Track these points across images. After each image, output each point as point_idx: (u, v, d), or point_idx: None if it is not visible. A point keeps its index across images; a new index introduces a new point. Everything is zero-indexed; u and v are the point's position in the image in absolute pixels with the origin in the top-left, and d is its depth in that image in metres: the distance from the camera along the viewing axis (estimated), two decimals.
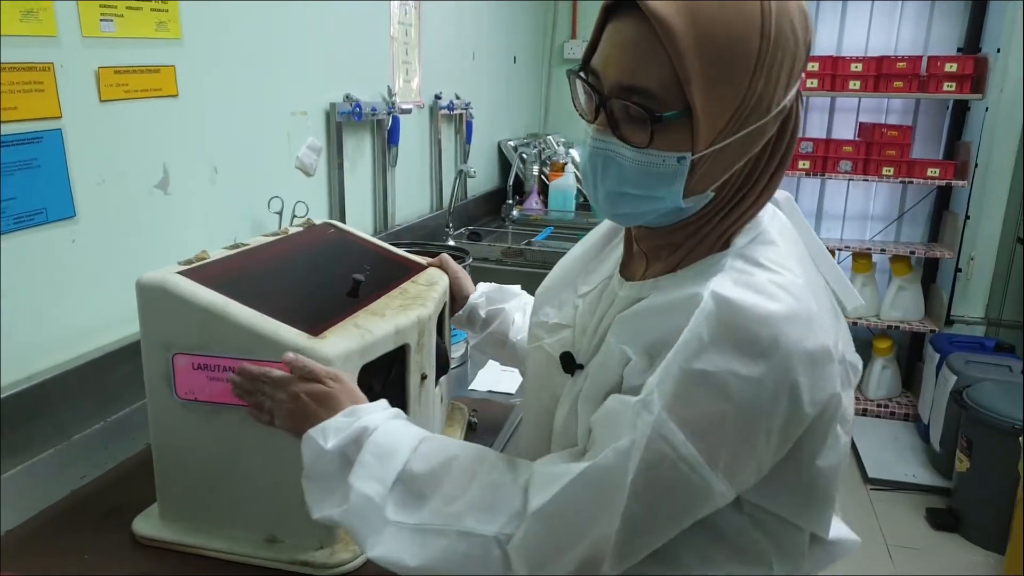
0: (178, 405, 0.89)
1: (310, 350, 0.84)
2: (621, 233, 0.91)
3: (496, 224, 2.91)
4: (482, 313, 1.17)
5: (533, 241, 2.60)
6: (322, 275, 1.06)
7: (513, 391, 1.39)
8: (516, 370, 1.46)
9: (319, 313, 0.93)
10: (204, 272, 0.92)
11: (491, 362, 1.53)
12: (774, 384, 0.66)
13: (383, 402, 0.83)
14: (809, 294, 0.70)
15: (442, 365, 1.11)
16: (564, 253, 0.97)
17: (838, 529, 0.81)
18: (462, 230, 2.57)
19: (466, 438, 1.20)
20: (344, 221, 1.94)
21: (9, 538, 0.94)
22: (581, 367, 0.82)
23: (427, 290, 1.08)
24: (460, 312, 1.18)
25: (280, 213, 1.62)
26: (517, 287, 1.20)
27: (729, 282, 0.69)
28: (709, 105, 0.67)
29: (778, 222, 0.78)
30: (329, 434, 0.77)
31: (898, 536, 2.79)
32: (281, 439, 0.87)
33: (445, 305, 1.17)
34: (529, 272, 2.27)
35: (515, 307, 1.17)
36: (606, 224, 0.95)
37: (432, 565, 0.72)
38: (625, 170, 0.73)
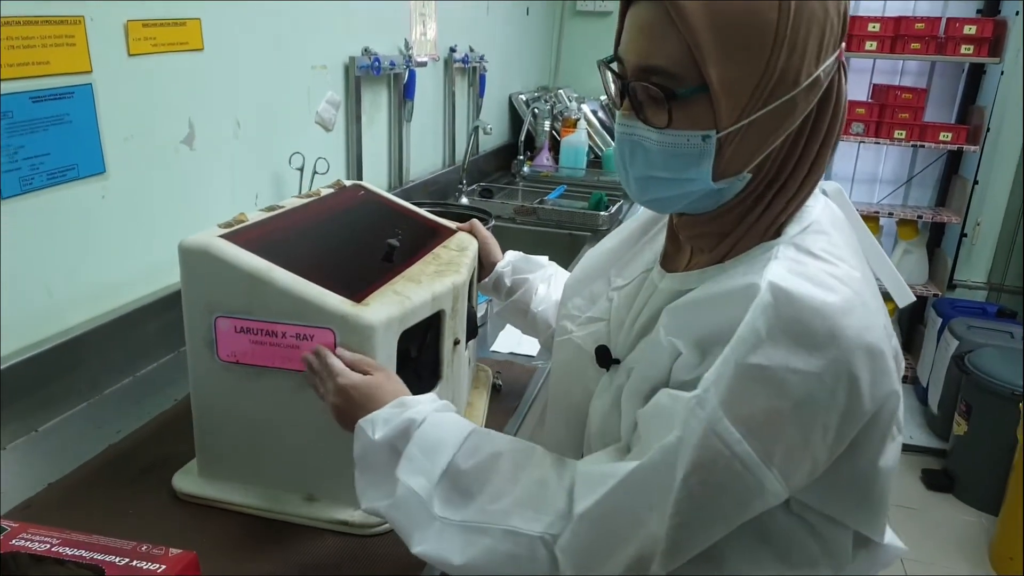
0: (220, 367, 0.91)
1: (354, 317, 0.85)
2: (659, 224, 0.90)
3: (506, 180, 2.90)
4: (507, 281, 1.18)
5: (545, 200, 2.60)
6: (357, 239, 1.07)
7: (535, 353, 1.41)
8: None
9: (359, 278, 0.94)
10: (244, 235, 0.92)
11: (510, 326, 1.55)
12: (832, 379, 0.64)
13: (431, 395, 0.84)
14: (866, 287, 0.70)
15: (471, 329, 1.13)
16: (576, 212, 0.99)
17: (888, 534, 0.82)
18: (475, 187, 2.56)
19: (491, 400, 1.23)
20: (361, 176, 1.94)
21: (50, 491, 0.96)
22: (617, 362, 0.81)
23: (459, 256, 1.09)
24: (486, 279, 1.19)
25: (301, 169, 1.62)
26: (544, 258, 1.21)
27: (784, 271, 0.67)
28: (726, 79, 0.66)
29: (830, 212, 0.77)
30: (378, 425, 0.78)
31: (894, 495, 2.82)
32: (318, 402, 0.89)
33: (474, 270, 1.18)
34: (542, 232, 2.27)
35: (540, 278, 1.18)
36: (643, 216, 0.93)
37: (477, 563, 0.71)
38: (651, 153, 0.72)
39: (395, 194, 2.09)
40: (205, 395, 0.94)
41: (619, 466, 0.69)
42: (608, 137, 3.23)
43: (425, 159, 2.42)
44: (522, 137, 2.99)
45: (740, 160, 0.71)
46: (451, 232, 1.18)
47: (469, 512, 0.73)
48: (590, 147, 3.10)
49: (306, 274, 0.88)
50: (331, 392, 0.83)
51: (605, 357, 0.82)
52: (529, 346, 1.43)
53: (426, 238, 1.13)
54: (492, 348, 1.43)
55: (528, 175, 2.93)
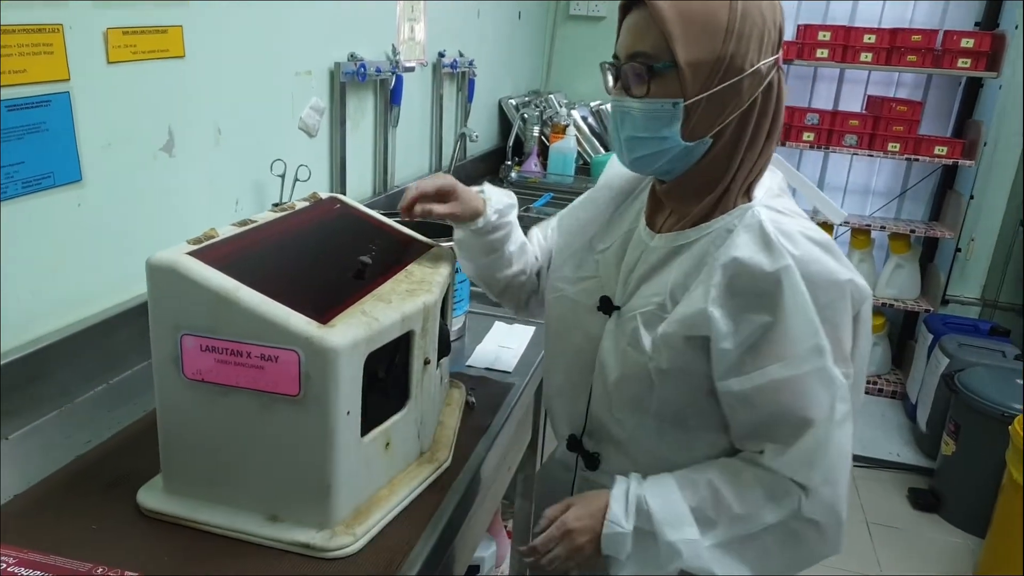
0: (185, 384, 0.90)
1: (319, 339, 0.85)
2: (629, 197, 1.13)
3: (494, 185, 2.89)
4: (493, 223, 1.13)
5: (531, 207, 2.59)
6: (329, 255, 1.07)
7: (511, 369, 1.41)
8: (514, 347, 1.48)
9: (327, 297, 0.93)
10: (214, 252, 0.92)
11: (489, 337, 1.55)
12: (848, 278, 0.93)
13: (633, 478, 1.02)
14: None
15: (443, 347, 1.12)
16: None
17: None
18: None
19: (463, 418, 1.22)
20: (344, 183, 1.93)
21: (15, 503, 0.96)
22: (618, 308, 1.04)
23: (432, 273, 1.09)
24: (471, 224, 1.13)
25: (283, 176, 1.61)
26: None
27: (775, 215, 0.95)
28: (690, 58, 0.90)
29: (778, 179, 1.04)
30: (620, 519, 0.98)
31: (878, 514, 2.85)
32: (284, 422, 0.89)
33: (447, 287, 1.17)
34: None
35: (514, 217, 1.18)
36: (609, 192, 1.14)
37: (762, 564, 0.97)
38: (636, 119, 0.96)
39: (379, 200, 2.09)
40: (171, 412, 0.94)
41: (820, 437, 0.93)
42: (597, 143, 3.22)
43: (411, 165, 2.41)
44: (510, 142, 2.99)
45: (703, 126, 0.94)
46: (426, 247, 1.18)
47: (727, 531, 0.96)
48: (579, 153, 3.10)
49: (274, 293, 0.88)
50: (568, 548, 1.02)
51: (608, 305, 1.05)
52: (507, 361, 1.43)
53: (400, 254, 1.12)
54: (468, 363, 1.42)
55: (516, 180, 2.93)
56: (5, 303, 1.10)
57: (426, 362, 1.05)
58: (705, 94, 0.92)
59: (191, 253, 0.90)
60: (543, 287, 1.23)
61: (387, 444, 0.99)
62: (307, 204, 1.16)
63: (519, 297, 1.25)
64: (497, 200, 1.14)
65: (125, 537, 0.91)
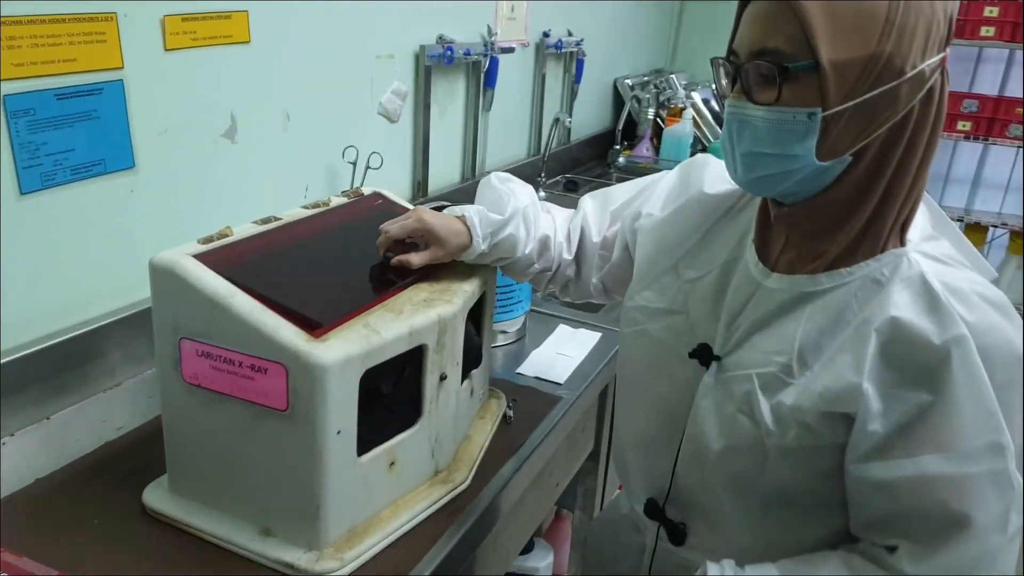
0: (185, 388, 0.89)
1: (306, 354, 0.80)
2: (720, 213, 0.92)
3: (599, 171, 2.77)
4: (487, 250, 1.03)
5: None
6: (351, 258, 1.02)
7: (562, 381, 1.32)
8: (572, 356, 1.39)
9: (332, 306, 0.89)
10: (220, 254, 0.89)
11: (549, 341, 1.46)
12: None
13: (727, 566, 0.83)
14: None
15: (471, 360, 1.05)
16: None
17: None
18: (557, 178, 2.46)
19: (497, 433, 1.15)
20: (427, 169, 1.89)
21: (35, 487, 0.99)
22: (719, 359, 0.85)
23: (459, 283, 1.02)
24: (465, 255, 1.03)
25: (354, 163, 1.59)
26: (510, 200, 1.04)
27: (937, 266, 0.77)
28: (835, 58, 0.71)
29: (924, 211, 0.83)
30: None
31: None
32: (273, 436, 0.85)
33: (485, 292, 1.10)
34: None
35: (513, 227, 1.03)
36: (700, 204, 0.93)
37: None
38: (759, 130, 0.76)
39: (467, 186, 2.03)
40: (173, 413, 0.93)
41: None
42: (717, 128, 3.02)
43: (506, 149, 2.34)
44: (620, 125, 2.85)
45: (844, 142, 0.75)
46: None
47: None
48: (696, 138, 2.91)
49: (272, 300, 0.84)
50: None
51: (706, 353, 0.86)
52: (560, 371, 1.34)
53: None
54: (519, 369, 1.35)
55: (623, 166, 2.79)
56: (61, 285, 1.13)
57: (442, 378, 0.98)
58: (851, 103, 0.72)
59: (196, 254, 0.88)
60: (587, 272, 1.09)
61: (392, 463, 0.94)
62: (345, 200, 1.12)
63: (552, 287, 1.14)
64: (484, 223, 1.01)
65: (122, 534, 0.92)
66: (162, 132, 1.23)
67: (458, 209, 1.02)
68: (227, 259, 0.89)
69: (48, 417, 1.12)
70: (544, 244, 1.07)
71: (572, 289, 1.14)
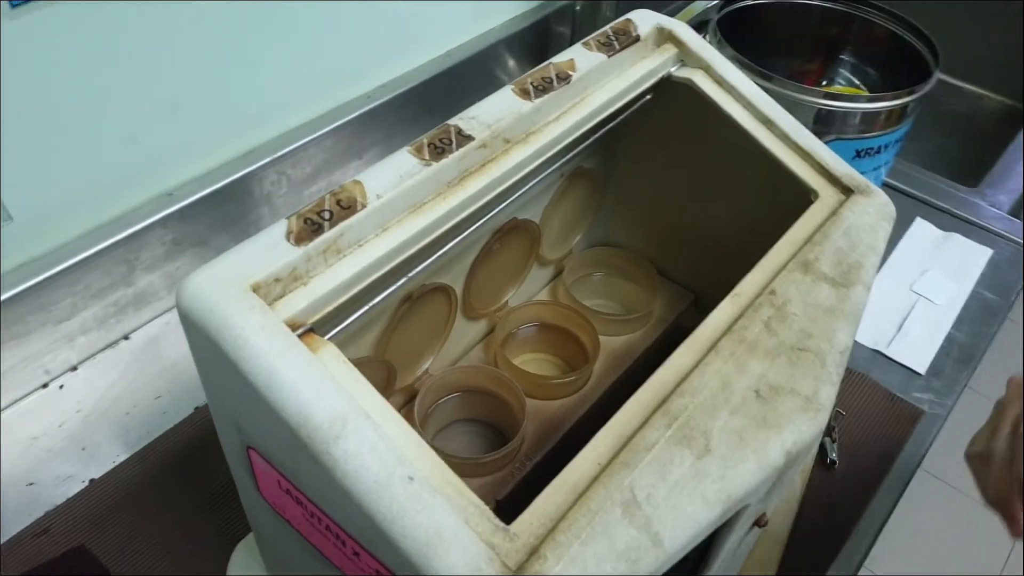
0: (259, 497, 0.47)
1: None
2: None
3: None
4: None
5: None
6: None
7: (923, 370, 0.77)
8: (939, 301, 0.81)
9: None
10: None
11: (893, 261, 0.88)
12: None
13: None
14: None
15: None
16: None
17: None
18: None
19: (817, 486, 0.67)
20: None
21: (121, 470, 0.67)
22: None
23: (831, 321, 0.47)
24: None
25: None
26: None
27: None
28: None
29: None
30: None
31: None
32: None
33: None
34: None
35: None
36: None
37: None
38: None
39: None
40: (252, 508, 0.52)
41: None
42: None
43: None
44: None
45: None
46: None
47: None
48: None
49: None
50: None
51: None
52: (924, 349, 0.78)
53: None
54: (879, 346, 0.80)
55: None
56: None
57: (759, 524, 0.49)
58: None
59: (275, 298, 0.39)
60: None
61: None
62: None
63: None
64: None
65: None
66: None
67: None
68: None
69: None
70: None
71: None
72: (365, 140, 0.95)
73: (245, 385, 0.37)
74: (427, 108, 1.01)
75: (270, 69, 0.82)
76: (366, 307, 0.45)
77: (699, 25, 1.00)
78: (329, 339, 0.41)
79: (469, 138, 0.49)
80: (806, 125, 0.81)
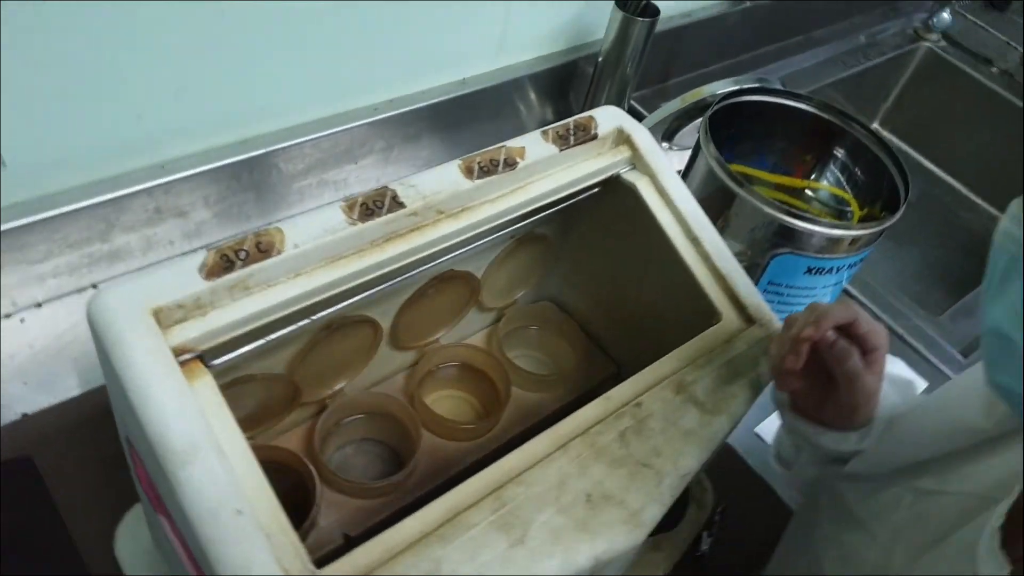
0: (138, 480, 0.52)
1: None
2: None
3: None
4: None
5: None
6: None
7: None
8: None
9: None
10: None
11: None
12: None
13: None
14: None
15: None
16: None
17: None
18: None
19: None
20: None
21: None
22: None
23: (712, 420, 0.51)
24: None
25: None
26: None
27: None
28: None
29: None
30: None
31: None
32: None
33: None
34: None
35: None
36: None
37: None
38: None
39: None
40: (136, 483, 0.58)
41: None
42: None
43: None
44: None
45: None
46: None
47: None
48: None
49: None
50: None
51: None
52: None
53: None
54: (757, 428, 0.84)
55: None
56: None
57: None
58: None
59: (169, 321, 0.44)
60: None
61: None
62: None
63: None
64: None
65: None
66: None
67: None
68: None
69: None
70: None
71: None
72: (363, 148, 1.00)
73: (125, 397, 0.42)
74: (432, 129, 1.05)
75: (285, 68, 0.87)
76: (263, 340, 0.50)
77: (701, 109, 1.04)
78: (225, 363, 0.46)
79: (402, 205, 0.54)
80: (767, 234, 0.84)
